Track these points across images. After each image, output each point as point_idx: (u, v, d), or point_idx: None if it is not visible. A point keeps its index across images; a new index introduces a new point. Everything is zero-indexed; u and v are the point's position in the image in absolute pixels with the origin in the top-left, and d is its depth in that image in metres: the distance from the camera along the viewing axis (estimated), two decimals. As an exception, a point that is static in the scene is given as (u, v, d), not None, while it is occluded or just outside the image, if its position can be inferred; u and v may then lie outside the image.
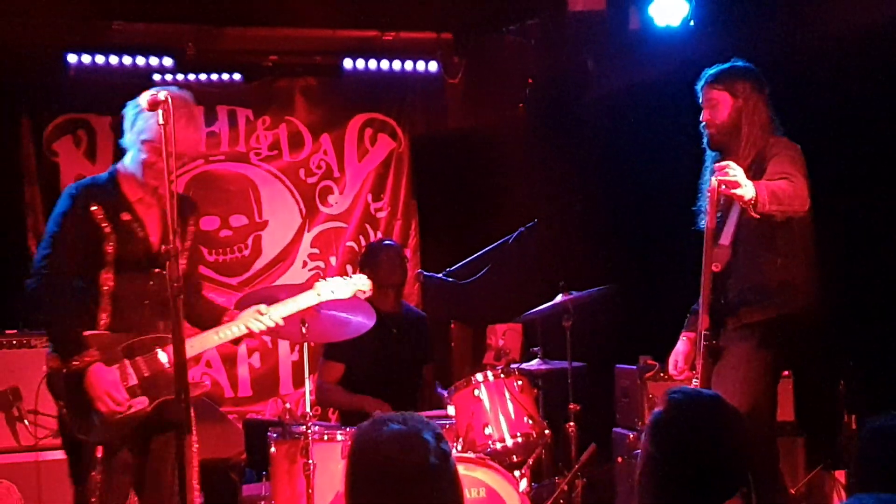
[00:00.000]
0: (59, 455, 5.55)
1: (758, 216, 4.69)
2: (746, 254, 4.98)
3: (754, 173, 4.90)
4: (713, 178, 4.72)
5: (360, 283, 5.12)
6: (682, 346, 5.30)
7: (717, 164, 4.71)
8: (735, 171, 4.61)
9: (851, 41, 6.24)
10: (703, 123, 5.19)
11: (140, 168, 4.62)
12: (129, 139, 4.67)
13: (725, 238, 4.91)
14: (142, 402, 4.49)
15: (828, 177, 5.26)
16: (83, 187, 4.68)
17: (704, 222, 5.02)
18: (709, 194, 4.89)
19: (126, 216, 4.62)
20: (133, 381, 4.54)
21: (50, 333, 4.62)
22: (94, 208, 4.56)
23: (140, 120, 4.59)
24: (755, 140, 5.06)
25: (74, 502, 4.64)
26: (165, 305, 4.20)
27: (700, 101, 5.24)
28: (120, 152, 4.84)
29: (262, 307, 4.88)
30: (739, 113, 5.09)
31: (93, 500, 4.50)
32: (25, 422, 6.03)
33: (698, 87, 5.24)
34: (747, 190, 4.59)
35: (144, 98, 4.27)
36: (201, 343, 4.82)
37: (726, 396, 4.77)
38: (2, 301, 7.28)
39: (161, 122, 4.14)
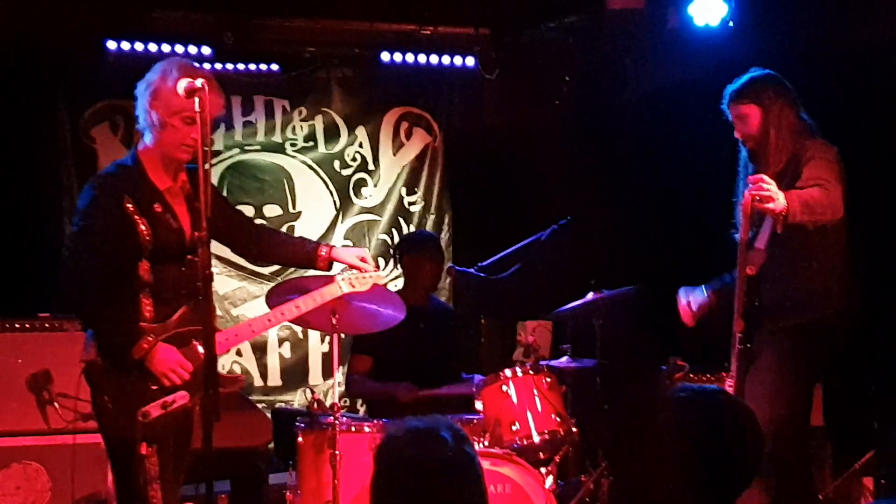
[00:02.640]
0: (89, 438, 5.64)
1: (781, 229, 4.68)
2: (781, 258, 4.95)
3: (789, 178, 4.88)
4: (746, 192, 4.69)
5: (375, 277, 5.08)
6: (701, 295, 5.28)
7: (750, 178, 4.68)
8: (768, 185, 4.58)
9: (893, 44, 6.19)
10: (740, 140, 5.19)
11: (175, 146, 4.54)
12: (155, 118, 4.56)
13: (760, 242, 4.87)
14: (183, 397, 4.42)
15: (864, 179, 5.23)
16: (112, 178, 4.58)
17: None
18: (742, 208, 4.86)
19: (158, 207, 4.56)
20: None
21: (100, 329, 4.52)
22: (126, 202, 4.48)
23: (173, 96, 4.46)
24: (784, 145, 5.03)
25: (117, 495, 4.62)
26: (196, 291, 4.24)
27: (729, 118, 5.23)
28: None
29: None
30: (767, 120, 5.07)
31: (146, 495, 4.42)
32: (55, 405, 6.06)
33: (724, 105, 5.23)
34: (779, 203, 4.57)
35: (181, 85, 4.27)
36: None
37: (760, 400, 4.83)
38: (36, 284, 7.36)
39: (198, 109, 4.17)
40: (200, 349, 4.51)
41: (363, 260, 5.04)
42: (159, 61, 4.74)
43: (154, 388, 4.47)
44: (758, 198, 4.60)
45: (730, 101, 5.22)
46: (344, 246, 8.66)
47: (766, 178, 4.64)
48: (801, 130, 5.10)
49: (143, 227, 4.49)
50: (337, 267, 5.13)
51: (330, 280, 5.03)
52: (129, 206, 4.48)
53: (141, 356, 4.42)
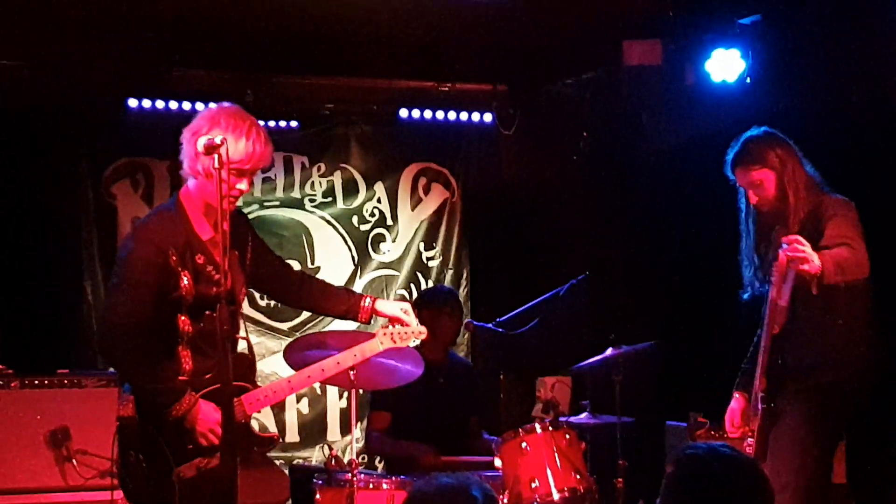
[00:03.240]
0: (106, 496, 5.61)
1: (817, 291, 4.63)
2: (805, 316, 4.90)
3: (807, 235, 4.85)
4: (781, 253, 4.60)
5: (417, 333, 4.97)
6: (736, 403, 5.24)
7: (785, 239, 4.59)
8: (804, 247, 4.51)
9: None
10: (754, 206, 5.13)
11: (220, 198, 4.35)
12: (201, 167, 4.44)
13: (783, 299, 4.84)
14: (218, 459, 4.33)
15: (883, 236, 5.21)
16: (155, 228, 4.49)
17: (768, 292, 4.98)
18: (776, 268, 4.78)
19: (200, 258, 4.48)
20: None
21: (139, 386, 4.43)
22: (171, 255, 4.40)
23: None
24: (803, 204, 4.98)
25: None
26: (236, 345, 4.23)
27: (735, 184, 5.19)
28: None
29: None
30: (783, 182, 5.02)
31: None
32: (74, 461, 6.06)
33: (729, 172, 5.17)
34: (814, 264, 4.50)
35: (201, 143, 4.23)
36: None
37: (782, 462, 4.78)
38: (55, 341, 7.39)
39: (216, 166, 4.14)
40: (240, 405, 4.52)
41: (406, 312, 4.96)
42: (179, 118, 4.69)
43: (190, 447, 4.41)
44: (794, 259, 4.53)
45: (736, 168, 5.14)
46: (372, 295, 8.64)
47: (801, 238, 4.56)
48: (813, 185, 5.06)
49: (185, 281, 4.42)
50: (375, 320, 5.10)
51: (359, 340, 4.98)
52: (174, 258, 4.41)
53: (181, 414, 4.37)
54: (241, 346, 4.71)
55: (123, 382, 4.55)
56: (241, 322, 4.69)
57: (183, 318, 4.46)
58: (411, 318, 4.96)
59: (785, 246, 4.55)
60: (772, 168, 5.03)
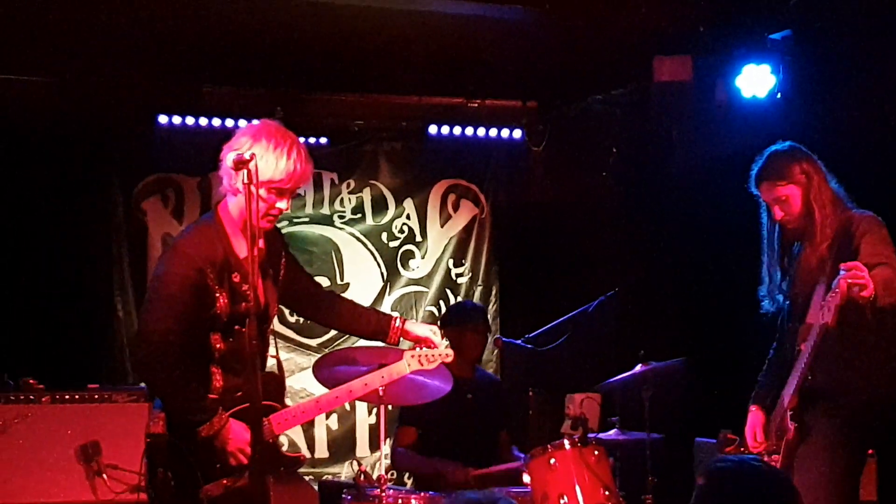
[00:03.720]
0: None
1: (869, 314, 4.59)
2: (839, 335, 4.86)
3: (838, 252, 4.82)
4: (842, 280, 4.45)
5: (444, 357, 4.99)
6: (756, 417, 5.20)
7: (844, 265, 4.46)
8: (864, 273, 4.43)
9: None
10: (779, 222, 5.09)
11: (263, 216, 4.41)
12: (241, 185, 4.29)
13: (812, 317, 4.81)
14: (246, 479, 4.37)
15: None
16: (193, 245, 4.46)
17: (787, 307, 4.96)
18: (836, 295, 4.68)
19: (236, 277, 4.45)
20: None
21: (171, 403, 4.41)
22: (208, 273, 4.39)
23: (263, 166, 4.32)
24: (830, 220, 4.92)
25: None
26: (265, 364, 4.24)
27: (759, 199, 5.15)
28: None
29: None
30: (809, 198, 4.98)
31: None
32: (104, 476, 6.08)
33: (754, 188, 5.14)
34: (870, 289, 4.44)
35: (230, 158, 4.22)
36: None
37: (809, 474, 4.74)
38: (86, 356, 7.43)
39: (245, 181, 4.12)
40: (268, 425, 4.50)
41: (435, 334, 4.97)
42: (209, 135, 4.68)
43: (218, 465, 4.41)
44: (854, 285, 4.47)
45: (761, 183, 5.09)
46: (402, 317, 8.64)
47: (860, 265, 4.46)
48: (838, 201, 5.00)
49: (221, 300, 4.41)
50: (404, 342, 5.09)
51: (389, 355, 4.99)
52: (211, 276, 4.40)
53: (211, 434, 4.36)
54: (271, 364, 4.72)
55: (154, 398, 4.55)
56: (272, 340, 4.69)
57: (215, 336, 4.47)
58: (439, 340, 4.97)
59: (843, 272, 4.45)
60: (798, 184, 4.98)
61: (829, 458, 4.80)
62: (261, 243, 4.51)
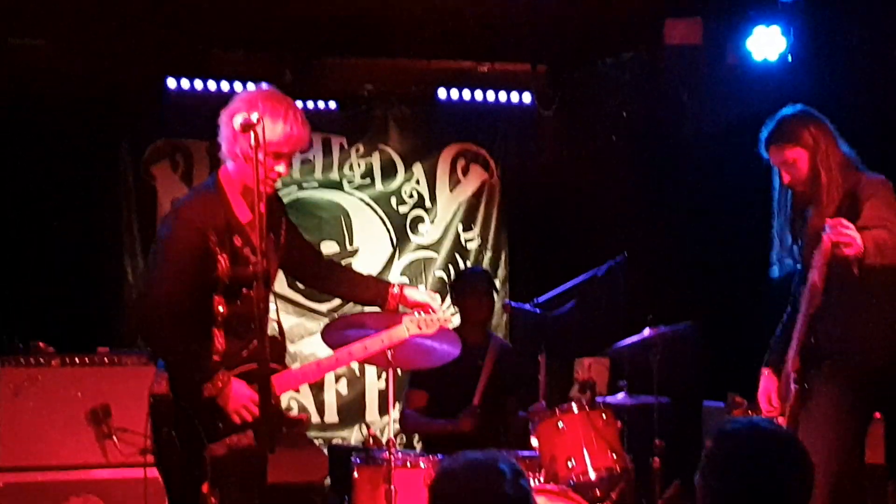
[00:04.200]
0: (149, 473, 5.64)
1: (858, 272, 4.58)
2: (842, 296, 4.85)
3: (844, 215, 4.80)
4: (825, 237, 4.48)
5: (443, 320, 5.00)
6: (769, 381, 5.19)
7: (829, 222, 4.47)
8: (848, 230, 4.43)
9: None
10: (787, 185, 5.08)
11: (263, 180, 4.33)
12: (240, 149, 4.45)
13: (816, 276, 4.80)
14: (248, 437, 4.42)
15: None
16: (195, 209, 4.50)
17: (799, 271, 4.95)
18: (820, 253, 4.70)
19: (238, 241, 4.50)
20: None
21: (175, 364, 4.47)
22: (210, 236, 4.43)
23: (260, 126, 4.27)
24: (837, 184, 4.88)
25: None
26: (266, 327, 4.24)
27: (769, 163, 5.13)
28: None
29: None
30: (816, 161, 4.95)
31: None
32: (114, 438, 6.11)
33: (763, 151, 5.11)
34: (857, 246, 4.44)
35: (237, 120, 4.25)
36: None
37: (813, 437, 4.74)
38: (96, 319, 7.45)
39: (253, 143, 4.16)
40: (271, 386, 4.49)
41: (434, 300, 5.01)
42: (218, 99, 4.70)
43: (221, 425, 4.44)
44: (839, 242, 4.47)
45: (769, 146, 5.05)
46: (400, 283, 8.67)
47: (844, 221, 4.47)
48: (848, 164, 4.97)
49: (222, 263, 4.45)
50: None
51: (394, 318, 5.00)
52: (212, 239, 4.44)
53: (214, 393, 4.39)
54: (272, 330, 4.74)
55: (157, 360, 4.59)
56: (273, 304, 4.70)
57: (218, 298, 4.50)
58: (437, 306, 5.01)
59: (828, 229, 4.46)
60: (805, 147, 4.95)
61: (830, 421, 4.80)
62: (262, 207, 4.48)
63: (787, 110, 5.10)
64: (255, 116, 4.19)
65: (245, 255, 4.50)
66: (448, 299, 7.42)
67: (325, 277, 5.11)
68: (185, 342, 4.44)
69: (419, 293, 5.08)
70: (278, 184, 7.54)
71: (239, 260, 4.50)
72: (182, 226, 4.46)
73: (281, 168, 4.53)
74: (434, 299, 5.02)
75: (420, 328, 4.96)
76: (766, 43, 7.09)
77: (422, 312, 4.97)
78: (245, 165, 4.47)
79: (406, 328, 4.95)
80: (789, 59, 7.06)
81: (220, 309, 4.50)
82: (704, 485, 2.98)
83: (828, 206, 4.86)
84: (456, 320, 7.16)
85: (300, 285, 8.29)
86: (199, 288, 4.45)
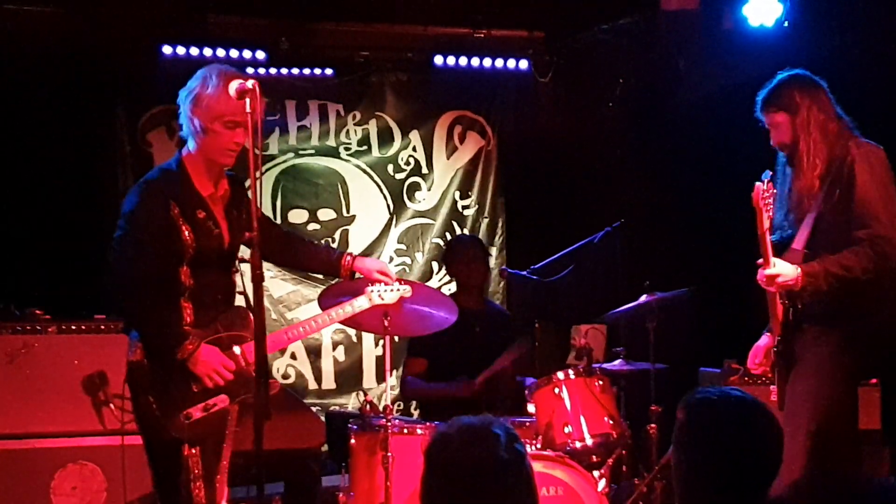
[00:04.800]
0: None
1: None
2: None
3: (829, 184, 4.82)
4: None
5: (403, 291, 5.15)
6: (762, 341, 5.22)
7: (759, 279, 4.81)
8: (780, 280, 4.76)
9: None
10: (776, 148, 5.12)
11: (217, 151, 4.59)
12: (197, 124, 4.58)
13: (798, 242, 4.85)
14: (223, 401, 4.54)
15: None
16: (157, 183, 4.62)
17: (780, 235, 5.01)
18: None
19: (201, 214, 4.61)
20: None
21: (145, 331, 4.57)
22: (173, 208, 4.54)
23: (213, 101, 4.52)
24: (817, 150, 4.92)
25: (159, 496, 4.69)
26: (234, 299, 4.41)
27: (764, 126, 5.17)
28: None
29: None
30: (796, 126, 4.98)
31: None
32: (111, 405, 6.12)
33: (758, 114, 5.15)
34: (794, 280, 4.74)
35: (233, 87, 4.28)
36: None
37: (796, 403, 4.77)
38: (92, 287, 7.43)
39: (248, 109, 4.20)
40: (238, 352, 4.65)
41: (382, 273, 5.12)
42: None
43: (196, 390, 4.54)
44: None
45: (761, 109, 5.13)
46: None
47: (767, 276, 4.78)
48: (834, 131, 4.98)
49: (186, 233, 4.56)
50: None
51: (360, 292, 5.09)
52: (175, 211, 4.54)
53: (185, 357, 4.49)
54: (240, 301, 4.82)
55: (129, 330, 4.65)
56: (240, 277, 4.79)
57: (184, 270, 4.60)
58: (390, 276, 5.14)
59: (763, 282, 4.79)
60: (786, 110, 5.00)
61: (813, 387, 4.81)
62: (225, 184, 4.74)
63: (782, 74, 5.12)
64: (249, 83, 4.25)
65: (208, 227, 4.63)
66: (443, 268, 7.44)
67: (282, 252, 5.18)
68: (153, 311, 4.53)
69: (371, 262, 5.25)
70: (274, 150, 7.55)
71: (203, 232, 4.61)
72: (146, 197, 4.57)
73: (239, 138, 4.58)
74: (385, 272, 5.13)
75: (382, 298, 5.09)
76: (763, 8, 7.08)
77: (382, 284, 5.09)
78: (204, 140, 4.59)
79: (368, 298, 5.08)
80: (785, 24, 7.04)
81: (187, 281, 4.60)
82: (678, 456, 3.00)
83: (808, 171, 4.90)
84: (453, 286, 7.18)
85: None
86: (165, 258, 4.55)
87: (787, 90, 5.04)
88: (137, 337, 4.58)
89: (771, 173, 4.93)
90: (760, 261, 4.83)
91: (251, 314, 4.70)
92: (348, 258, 5.13)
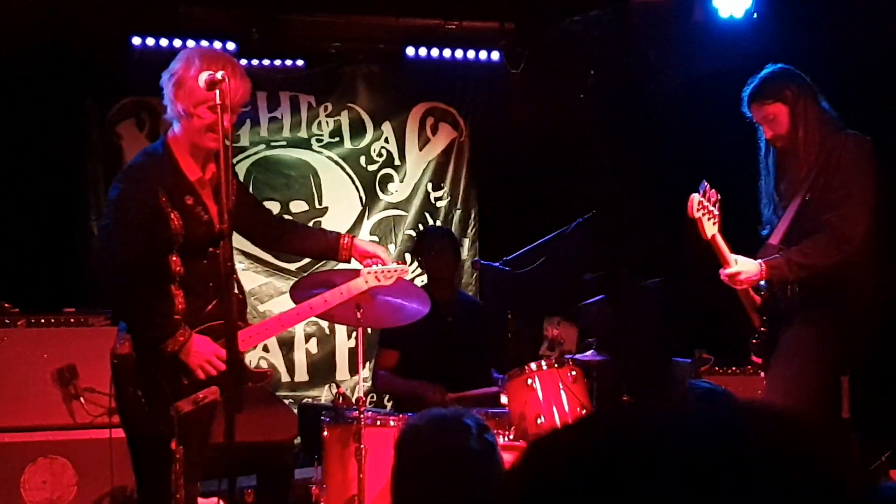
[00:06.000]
0: (116, 433, 5.63)
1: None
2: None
3: (815, 173, 4.87)
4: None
5: (400, 272, 5.08)
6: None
7: (724, 277, 4.96)
8: (740, 279, 4.90)
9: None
10: (769, 142, 5.17)
11: (202, 134, 4.48)
12: (180, 108, 4.50)
13: (775, 237, 4.91)
14: (214, 393, 4.44)
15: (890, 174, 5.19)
16: (144, 170, 4.54)
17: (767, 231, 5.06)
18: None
19: (189, 200, 4.52)
20: None
21: (134, 322, 4.49)
22: (161, 195, 4.44)
23: (196, 85, 4.41)
24: (813, 141, 5.02)
25: (140, 490, 4.64)
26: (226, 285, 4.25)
27: (752, 119, 5.20)
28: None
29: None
30: (794, 116, 5.04)
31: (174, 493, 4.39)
32: (81, 399, 6.09)
33: (745, 108, 5.19)
34: (756, 278, 4.88)
35: (202, 78, 4.27)
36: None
37: (776, 388, 4.80)
38: (61, 279, 7.40)
39: (218, 101, 4.18)
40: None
41: (384, 250, 5.07)
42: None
43: (186, 382, 4.46)
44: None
45: (752, 103, 5.18)
46: (371, 241, 8.68)
47: (728, 276, 4.94)
48: (826, 122, 5.08)
49: (175, 221, 4.46)
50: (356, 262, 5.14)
51: (356, 274, 5.02)
52: (163, 198, 4.45)
53: (176, 349, 4.42)
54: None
55: (117, 321, 4.60)
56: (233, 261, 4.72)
57: (174, 258, 4.51)
58: (388, 256, 5.06)
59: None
60: (784, 102, 5.07)
61: (795, 371, 4.85)
62: (213, 167, 4.62)
63: (770, 68, 5.19)
64: (219, 74, 4.24)
65: (197, 213, 4.53)
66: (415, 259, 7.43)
67: (276, 236, 5.14)
68: (142, 300, 4.46)
69: (369, 244, 5.16)
70: (245, 142, 7.52)
71: (192, 219, 4.52)
72: (132, 185, 4.50)
73: (225, 122, 4.47)
74: (385, 251, 5.08)
75: (379, 280, 4.99)
76: (732, 0, 7.10)
77: (378, 264, 5.00)
78: (189, 124, 4.50)
79: (364, 280, 4.99)
80: (755, 16, 7.07)
81: (177, 268, 4.51)
82: None
83: (804, 161, 4.98)
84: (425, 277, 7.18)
85: (269, 244, 8.29)
86: (153, 247, 4.47)
87: (782, 83, 5.12)
88: (126, 329, 4.50)
89: (707, 183, 4.97)
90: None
91: (245, 299, 4.71)
92: (346, 240, 5.05)
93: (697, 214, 4.92)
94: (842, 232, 4.80)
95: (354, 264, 5.13)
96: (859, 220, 4.83)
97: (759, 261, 4.86)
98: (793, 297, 4.98)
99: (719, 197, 4.95)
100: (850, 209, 4.83)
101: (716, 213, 4.96)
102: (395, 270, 5.04)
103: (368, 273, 4.99)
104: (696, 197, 4.91)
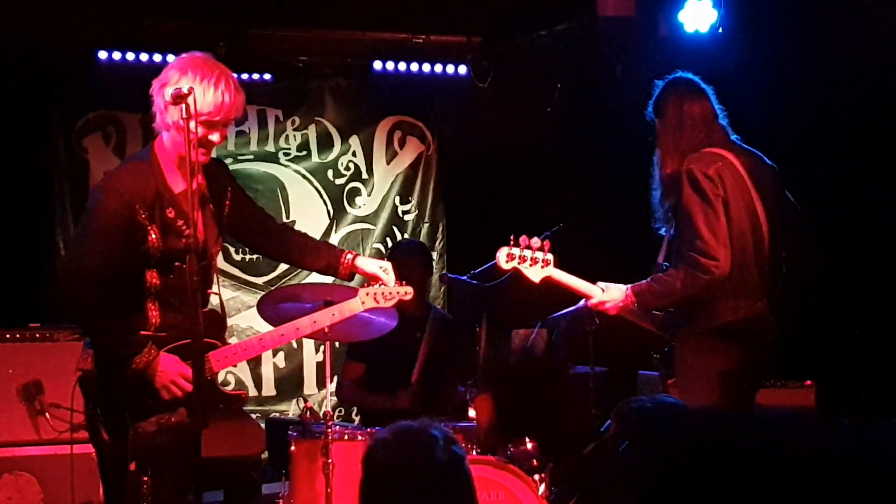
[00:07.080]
0: (82, 449, 5.60)
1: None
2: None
3: (666, 194, 4.88)
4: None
5: (402, 294, 4.91)
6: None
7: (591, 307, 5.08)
8: (607, 305, 5.02)
9: (881, 50, 6.20)
10: None
11: (197, 150, 4.24)
12: (171, 120, 4.35)
13: (661, 254, 4.96)
14: (180, 414, 4.29)
15: (845, 182, 5.22)
16: (125, 181, 4.37)
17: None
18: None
19: (170, 212, 4.39)
20: None
21: (99, 340, 4.36)
22: (139, 209, 4.30)
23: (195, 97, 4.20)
24: (665, 163, 5.00)
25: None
26: (207, 300, 4.22)
27: None
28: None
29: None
30: (658, 131, 5.06)
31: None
32: (47, 415, 6.05)
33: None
34: (625, 303, 4.95)
35: (168, 92, 4.18)
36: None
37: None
38: (27, 295, 7.35)
39: (184, 116, 4.07)
40: (208, 362, 4.43)
41: (386, 271, 4.87)
42: (150, 70, 4.61)
43: (150, 402, 4.33)
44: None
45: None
46: (352, 251, 8.65)
47: (592, 306, 5.07)
48: (692, 139, 4.98)
49: (153, 236, 4.34)
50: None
51: (352, 294, 4.89)
52: (142, 213, 4.32)
53: (139, 368, 4.28)
54: (213, 303, 4.68)
55: (83, 336, 4.49)
56: (214, 277, 4.64)
57: (150, 272, 4.39)
58: (390, 277, 4.88)
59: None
60: (655, 114, 5.08)
61: (687, 391, 4.86)
62: (200, 178, 4.47)
63: (667, 77, 5.17)
64: (185, 88, 4.12)
65: (178, 227, 4.39)
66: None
67: (275, 244, 4.96)
68: (108, 316, 4.31)
69: (371, 263, 4.94)
70: (213, 155, 7.46)
71: (171, 232, 4.39)
72: (109, 197, 4.34)
73: (215, 137, 4.42)
74: (387, 271, 4.89)
75: (377, 301, 4.86)
76: (698, 15, 7.15)
77: (377, 284, 4.87)
78: (178, 135, 4.36)
79: (361, 301, 4.86)
80: (720, 31, 7.11)
81: (154, 282, 4.39)
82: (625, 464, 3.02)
83: (661, 180, 4.96)
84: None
85: (236, 258, 8.28)
86: (127, 260, 4.34)
87: (661, 96, 5.14)
88: (90, 345, 4.38)
89: (513, 237, 5.00)
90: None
91: (225, 317, 4.64)
92: (348, 257, 4.89)
93: (508, 266, 4.88)
94: (700, 264, 4.71)
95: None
96: (709, 244, 4.71)
97: (626, 287, 4.87)
98: (665, 322, 5.00)
99: (545, 241, 4.92)
100: (699, 244, 4.73)
101: (542, 256, 4.92)
102: (397, 293, 4.89)
103: (367, 294, 4.85)
104: (503, 250, 4.90)
